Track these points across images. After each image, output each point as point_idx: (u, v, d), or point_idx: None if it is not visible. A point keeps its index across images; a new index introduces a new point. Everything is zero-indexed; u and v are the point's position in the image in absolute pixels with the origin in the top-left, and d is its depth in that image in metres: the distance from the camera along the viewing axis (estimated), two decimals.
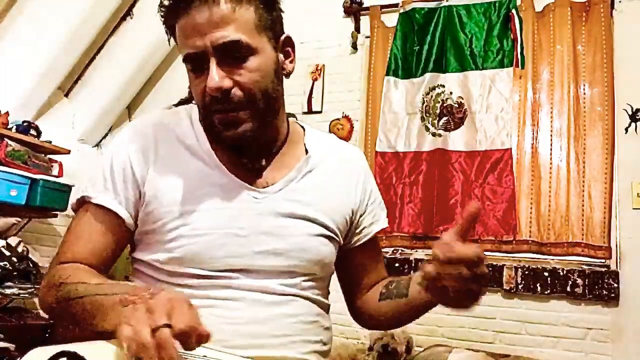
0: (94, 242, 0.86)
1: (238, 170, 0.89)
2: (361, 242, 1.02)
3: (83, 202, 0.89)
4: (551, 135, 2.86)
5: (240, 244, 0.85)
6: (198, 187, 0.87)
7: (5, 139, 2.80)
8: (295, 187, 0.91)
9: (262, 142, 0.90)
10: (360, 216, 1.01)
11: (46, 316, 3.06)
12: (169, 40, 0.88)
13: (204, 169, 0.88)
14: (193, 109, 0.94)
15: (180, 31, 0.83)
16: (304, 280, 0.89)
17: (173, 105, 1.02)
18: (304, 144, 0.97)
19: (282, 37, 0.89)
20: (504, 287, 2.79)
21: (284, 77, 0.90)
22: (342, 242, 0.99)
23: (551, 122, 2.88)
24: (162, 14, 0.85)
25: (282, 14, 0.89)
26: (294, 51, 0.92)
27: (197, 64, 0.82)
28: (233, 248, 0.85)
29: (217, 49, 0.79)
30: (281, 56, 0.89)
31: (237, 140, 0.84)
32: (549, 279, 2.71)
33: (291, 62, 0.91)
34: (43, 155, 3.06)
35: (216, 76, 0.79)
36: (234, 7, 0.80)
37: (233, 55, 0.80)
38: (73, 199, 0.91)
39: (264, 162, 0.91)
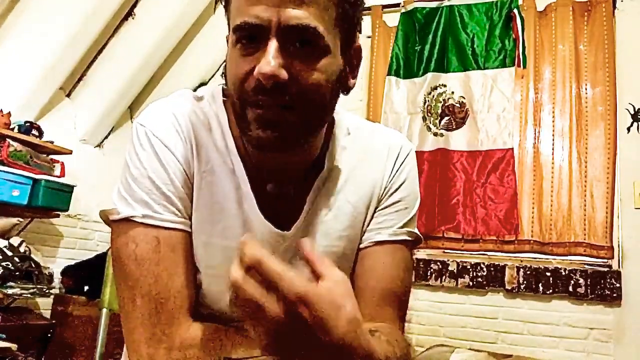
0: (189, 276, 0.71)
1: (264, 198, 0.74)
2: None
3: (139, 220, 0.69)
4: (553, 135, 2.86)
5: None
6: (223, 215, 0.74)
7: (8, 140, 2.80)
8: (315, 220, 0.77)
9: (295, 162, 0.75)
10: (367, 224, 0.82)
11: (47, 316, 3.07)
12: (215, 4, 0.73)
13: (234, 191, 0.74)
14: (216, 98, 0.77)
15: None
16: None
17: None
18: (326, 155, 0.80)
19: (355, 45, 0.73)
20: (506, 287, 2.78)
21: (341, 93, 0.73)
22: None
23: (553, 121, 2.88)
24: None
25: (362, 18, 0.73)
26: (358, 66, 0.76)
27: (250, 39, 0.64)
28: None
29: (285, 30, 0.62)
30: (347, 67, 0.72)
31: (272, 146, 0.67)
32: (551, 278, 2.71)
33: (354, 77, 0.75)
34: (45, 155, 3.06)
35: (273, 60, 0.61)
36: None
37: (302, 44, 0.64)
38: (121, 211, 0.70)
39: (292, 191, 0.76)
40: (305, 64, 0.64)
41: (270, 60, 0.61)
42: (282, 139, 0.66)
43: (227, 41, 0.70)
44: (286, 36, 0.62)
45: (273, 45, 0.62)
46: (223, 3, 0.70)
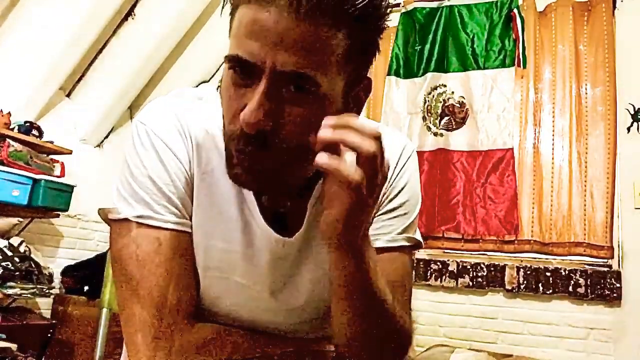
0: (191, 278, 0.71)
1: (262, 207, 0.73)
2: None
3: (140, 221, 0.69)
4: (553, 135, 2.86)
5: (251, 297, 0.75)
6: (223, 218, 0.73)
7: (8, 140, 2.80)
8: (316, 227, 0.73)
9: (288, 186, 0.72)
10: None
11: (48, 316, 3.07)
12: (222, 7, 0.64)
13: (234, 193, 0.72)
14: (216, 98, 0.74)
15: (242, 19, 0.59)
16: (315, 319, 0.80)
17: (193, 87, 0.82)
18: None
19: (365, 81, 0.67)
20: (506, 287, 2.78)
21: None
22: None
23: (553, 121, 2.88)
24: None
25: (378, 49, 0.65)
26: (366, 98, 0.69)
27: (241, 71, 0.60)
28: (241, 300, 0.75)
29: (278, 74, 0.57)
30: (351, 104, 0.66)
31: (251, 187, 0.68)
32: (551, 278, 2.71)
33: (359, 111, 0.69)
34: (45, 155, 3.06)
35: (259, 108, 0.58)
36: (326, 31, 0.57)
37: (293, 88, 0.59)
38: (121, 211, 0.69)
39: (288, 204, 0.74)
40: (297, 110, 0.59)
41: (254, 108, 0.57)
42: (262, 182, 0.64)
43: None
44: (279, 80, 0.58)
45: (261, 89, 0.57)
46: (230, 9, 0.65)
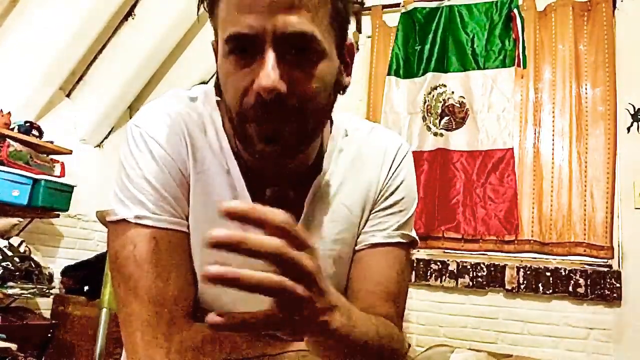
0: (188, 277, 0.71)
1: (260, 200, 0.70)
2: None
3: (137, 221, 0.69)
4: (553, 135, 2.86)
5: (249, 296, 0.77)
6: (219, 217, 0.77)
7: (8, 140, 2.80)
8: (312, 224, 0.76)
9: (293, 166, 0.73)
10: (362, 226, 0.81)
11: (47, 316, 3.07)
12: (198, 9, 0.67)
13: (229, 192, 0.73)
14: (210, 97, 0.76)
15: (229, 2, 0.62)
16: None
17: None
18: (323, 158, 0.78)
19: (347, 43, 0.71)
20: (506, 287, 2.78)
21: (338, 93, 0.71)
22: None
23: (553, 121, 2.88)
24: None
25: (351, 13, 0.71)
26: (352, 63, 0.73)
27: (244, 50, 0.61)
28: (239, 299, 0.74)
29: (281, 39, 0.59)
30: (342, 66, 0.71)
31: (277, 159, 0.66)
32: (551, 278, 2.71)
33: (349, 75, 0.73)
34: (45, 155, 3.07)
35: (272, 72, 0.59)
36: None
37: (298, 51, 0.61)
38: (118, 213, 0.69)
39: (292, 195, 0.73)
40: (304, 71, 0.62)
41: (269, 73, 0.58)
42: (285, 150, 0.65)
43: (213, 48, 0.69)
44: (282, 45, 0.59)
45: (271, 56, 0.59)
46: (207, 9, 0.67)
